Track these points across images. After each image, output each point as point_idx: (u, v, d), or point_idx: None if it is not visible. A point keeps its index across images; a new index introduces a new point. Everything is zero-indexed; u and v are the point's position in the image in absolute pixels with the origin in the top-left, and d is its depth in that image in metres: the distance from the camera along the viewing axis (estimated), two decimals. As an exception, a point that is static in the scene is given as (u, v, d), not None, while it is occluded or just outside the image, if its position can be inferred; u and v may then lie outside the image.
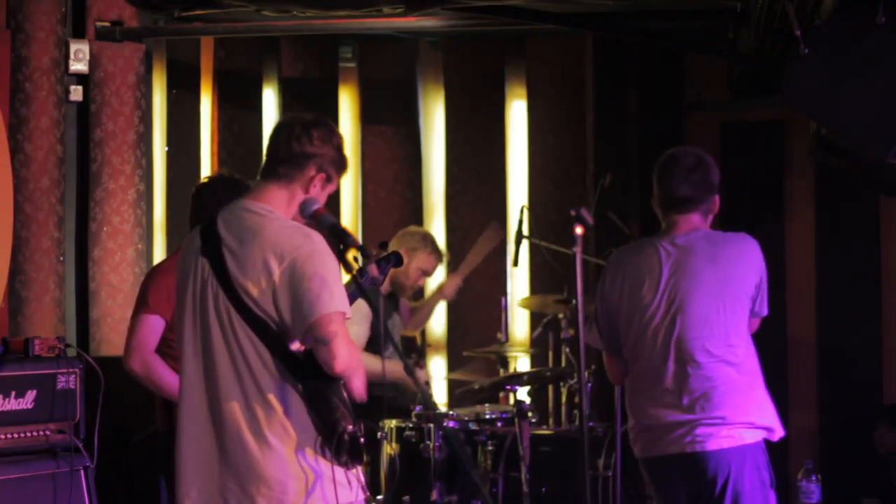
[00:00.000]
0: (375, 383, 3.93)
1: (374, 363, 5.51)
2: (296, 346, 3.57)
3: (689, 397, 4.30)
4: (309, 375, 3.56)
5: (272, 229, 3.61)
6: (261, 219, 3.64)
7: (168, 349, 4.74)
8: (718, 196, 4.46)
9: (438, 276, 7.03)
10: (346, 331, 3.56)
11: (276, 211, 3.67)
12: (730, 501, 4.24)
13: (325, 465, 3.56)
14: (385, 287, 6.00)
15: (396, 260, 4.81)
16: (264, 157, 3.77)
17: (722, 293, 4.32)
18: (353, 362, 3.58)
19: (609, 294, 4.49)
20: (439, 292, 6.96)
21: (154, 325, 4.80)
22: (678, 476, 4.32)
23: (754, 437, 4.31)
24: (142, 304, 4.84)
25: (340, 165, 3.77)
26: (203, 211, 4.62)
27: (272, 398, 3.55)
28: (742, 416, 4.30)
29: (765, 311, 4.44)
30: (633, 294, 4.40)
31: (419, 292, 7.06)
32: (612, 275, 4.51)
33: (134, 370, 4.80)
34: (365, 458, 3.65)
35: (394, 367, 6.18)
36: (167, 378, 4.70)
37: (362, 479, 3.67)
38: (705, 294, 4.32)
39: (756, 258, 4.41)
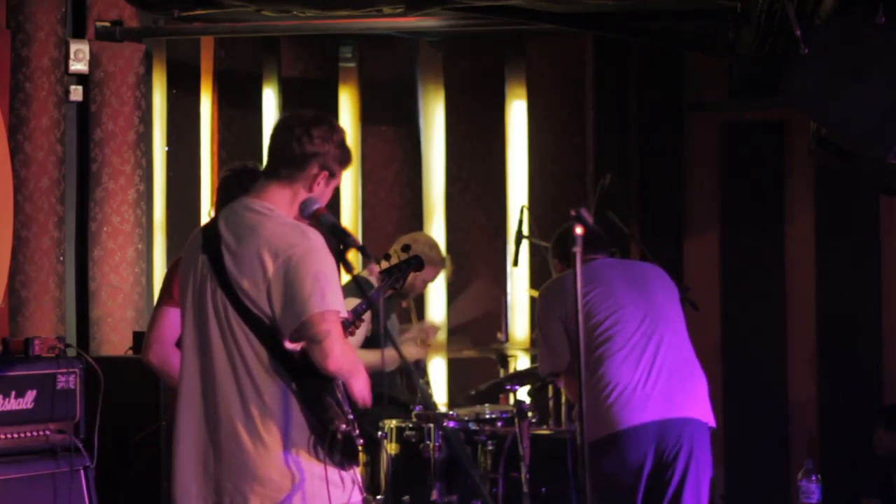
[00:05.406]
0: (375, 381, 3.91)
1: (372, 357, 5.51)
2: (291, 344, 3.57)
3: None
4: (304, 374, 3.55)
5: (269, 227, 3.61)
6: (260, 217, 3.64)
7: None
8: None
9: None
10: (340, 330, 3.55)
11: (277, 209, 3.67)
12: None
13: (317, 465, 3.55)
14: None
15: (417, 263, 4.81)
16: (266, 156, 3.76)
17: None
18: (348, 363, 3.57)
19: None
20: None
21: (176, 318, 4.74)
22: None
23: None
24: (166, 296, 4.72)
25: (343, 161, 3.74)
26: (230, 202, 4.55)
27: (268, 396, 3.54)
28: None
29: None
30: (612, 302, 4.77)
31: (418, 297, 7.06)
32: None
33: (151, 363, 4.73)
34: (361, 458, 3.63)
35: (392, 355, 6.15)
36: None
37: (359, 478, 3.67)
38: None
39: None
